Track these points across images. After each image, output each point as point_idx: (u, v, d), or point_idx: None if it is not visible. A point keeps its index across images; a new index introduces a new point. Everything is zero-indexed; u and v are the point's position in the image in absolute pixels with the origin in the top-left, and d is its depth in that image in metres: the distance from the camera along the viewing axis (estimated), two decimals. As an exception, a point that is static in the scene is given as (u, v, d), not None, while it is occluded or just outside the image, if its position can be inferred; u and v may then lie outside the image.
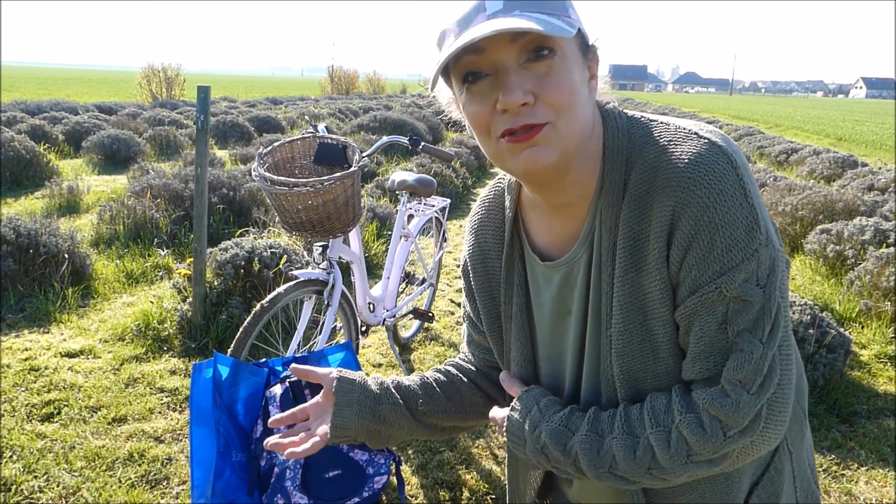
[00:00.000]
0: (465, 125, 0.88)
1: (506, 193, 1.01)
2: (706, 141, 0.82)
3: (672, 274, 0.83)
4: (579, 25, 0.80)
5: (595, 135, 0.88)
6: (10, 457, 2.36)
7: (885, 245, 4.42)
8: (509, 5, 0.77)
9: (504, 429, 0.96)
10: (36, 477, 2.26)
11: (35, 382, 2.93)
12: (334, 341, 2.65)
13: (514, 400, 0.96)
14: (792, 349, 0.84)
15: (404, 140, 2.72)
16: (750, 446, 0.83)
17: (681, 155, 0.81)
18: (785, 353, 0.82)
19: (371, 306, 2.88)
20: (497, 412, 1.00)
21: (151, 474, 2.32)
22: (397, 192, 3.13)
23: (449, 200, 3.66)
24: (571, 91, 0.79)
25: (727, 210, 0.78)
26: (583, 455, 0.87)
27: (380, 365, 3.30)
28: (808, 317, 3.00)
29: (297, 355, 2.18)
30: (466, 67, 0.80)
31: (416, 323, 3.64)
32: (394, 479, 2.15)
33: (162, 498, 2.21)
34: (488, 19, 0.76)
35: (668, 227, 0.81)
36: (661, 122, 0.87)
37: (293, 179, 2.20)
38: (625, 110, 0.91)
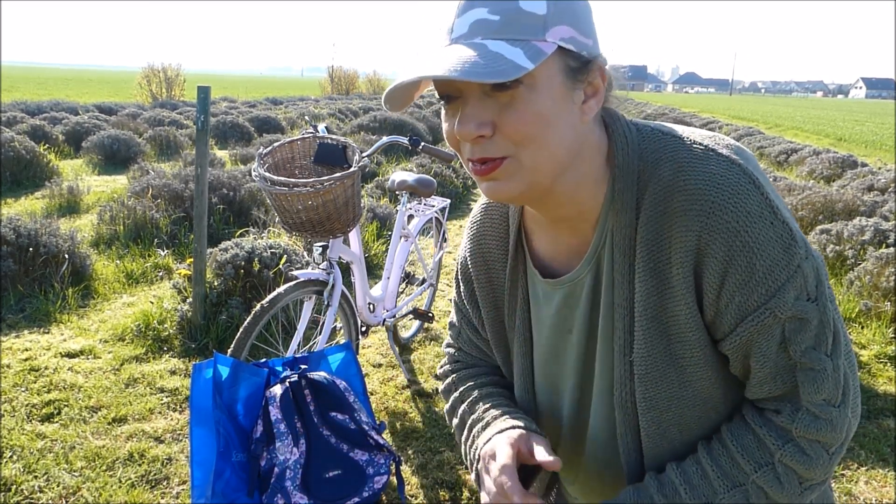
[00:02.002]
0: None
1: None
2: (724, 159, 0.78)
3: (709, 303, 0.80)
4: (559, 44, 0.73)
5: (597, 151, 0.83)
6: (10, 457, 2.36)
7: (884, 245, 4.42)
8: (474, 29, 0.73)
9: None
10: (36, 477, 2.26)
11: (35, 382, 2.93)
12: (334, 341, 2.65)
13: None
14: (851, 351, 0.83)
15: (404, 140, 2.73)
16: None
17: (700, 176, 0.77)
18: (848, 356, 0.81)
19: (371, 306, 2.88)
20: None
21: (151, 474, 2.32)
22: (397, 193, 3.13)
23: (449, 200, 3.66)
24: (537, 122, 0.74)
25: (759, 231, 0.75)
26: None
27: (380, 365, 3.30)
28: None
29: (297, 355, 2.18)
30: (438, 88, 0.78)
31: (416, 323, 3.64)
32: (394, 479, 2.15)
33: (162, 498, 2.21)
34: (451, 44, 0.74)
35: (695, 254, 0.78)
36: (673, 136, 0.83)
37: (293, 180, 2.20)
38: (633, 120, 0.86)
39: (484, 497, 0.89)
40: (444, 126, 0.80)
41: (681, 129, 0.85)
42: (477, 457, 0.93)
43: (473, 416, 1.00)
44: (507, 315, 0.99)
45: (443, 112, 0.80)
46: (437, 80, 0.77)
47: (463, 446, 1.01)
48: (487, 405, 0.99)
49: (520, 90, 0.73)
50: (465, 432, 1.00)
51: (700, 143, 0.81)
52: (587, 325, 0.90)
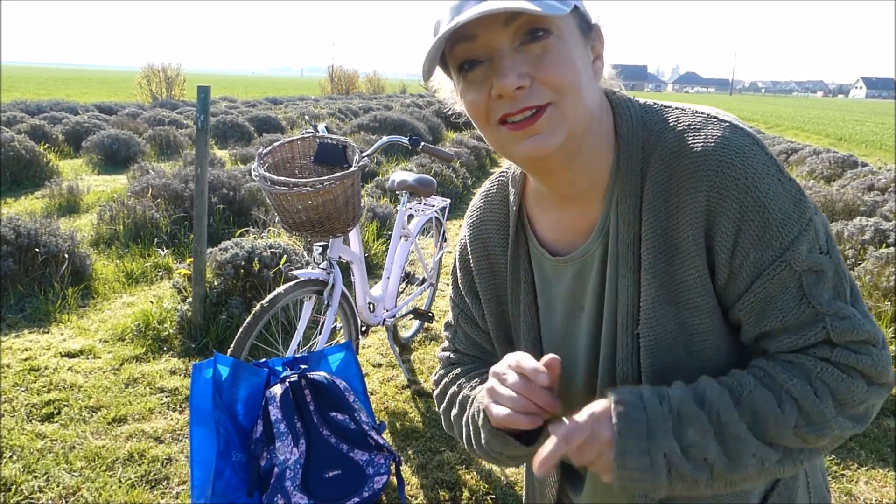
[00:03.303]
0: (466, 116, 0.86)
1: (510, 186, 0.96)
2: (728, 124, 0.80)
3: (722, 264, 0.79)
4: (576, 3, 0.78)
5: (605, 122, 0.84)
6: (10, 457, 2.36)
7: (885, 245, 4.42)
8: None
9: (620, 443, 0.74)
10: (36, 477, 2.26)
11: (35, 382, 2.93)
12: (334, 341, 2.65)
13: (614, 414, 0.75)
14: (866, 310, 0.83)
15: (404, 140, 2.73)
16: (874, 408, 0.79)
17: (705, 139, 0.79)
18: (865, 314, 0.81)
19: (371, 306, 2.88)
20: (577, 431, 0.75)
21: (151, 474, 2.32)
22: (397, 192, 3.13)
23: (449, 200, 3.66)
24: (572, 69, 0.76)
25: (768, 187, 0.76)
26: (723, 413, 0.75)
27: (380, 365, 3.30)
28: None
29: (297, 355, 2.18)
30: (461, 56, 0.78)
31: (416, 323, 3.64)
32: (394, 479, 2.15)
33: (162, 498, 2.21)
34: (478, 2, 0.74)
35: (705, 216, 0.78)
36: (677, 108, 0.85)
37: (293, 179, 2.20)
38: (635, 97, 0.88)
39: (501, 404, 0.79)
40: (469, 97, 0.80)
41: (682, 103, 0.87)
42: (478, 410, 0.88)
43: (465, 391, 0.96)
44: (511, 301, 0.97)
45: (461, 86, 0.80)
46: (462, 48, 0.78)
47: (464, 428, 0.94)
48: (482, 378, 0.95)
49: (551, 40, 0.76)
50: (458, 408, 0.96)
51: (702, 112, 0.83)
52: (596, 300, 0.89)
